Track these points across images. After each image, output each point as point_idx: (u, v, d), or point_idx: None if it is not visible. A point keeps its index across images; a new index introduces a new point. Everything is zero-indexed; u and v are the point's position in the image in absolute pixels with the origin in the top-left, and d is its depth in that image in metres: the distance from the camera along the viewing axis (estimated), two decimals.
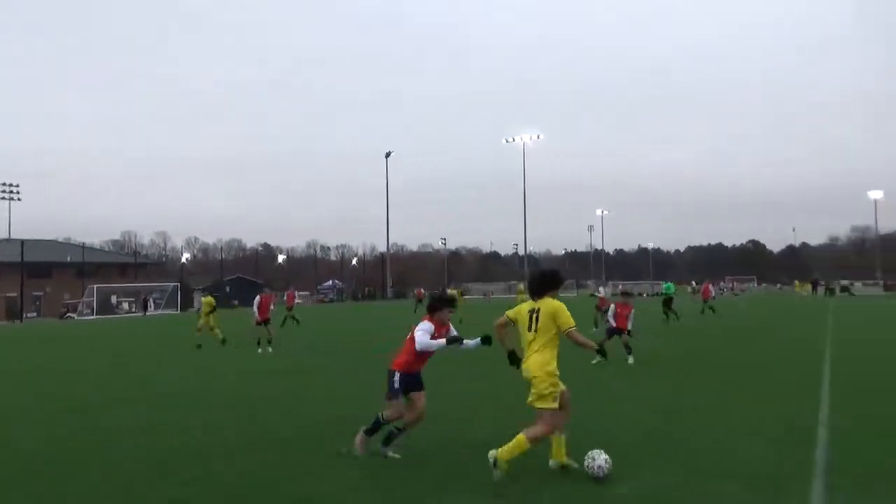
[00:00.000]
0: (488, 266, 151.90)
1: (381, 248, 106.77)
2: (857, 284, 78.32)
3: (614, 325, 14.87)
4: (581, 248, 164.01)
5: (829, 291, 67.44)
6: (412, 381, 6.51)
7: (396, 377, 6.45)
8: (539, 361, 5.67)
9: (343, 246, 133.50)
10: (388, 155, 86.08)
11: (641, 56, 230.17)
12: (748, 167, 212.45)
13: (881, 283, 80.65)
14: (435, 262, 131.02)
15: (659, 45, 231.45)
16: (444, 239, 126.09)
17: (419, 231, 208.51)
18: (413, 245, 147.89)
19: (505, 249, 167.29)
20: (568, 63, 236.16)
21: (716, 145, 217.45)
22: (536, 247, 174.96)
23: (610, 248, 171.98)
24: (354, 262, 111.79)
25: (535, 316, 5.79)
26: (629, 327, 14.75)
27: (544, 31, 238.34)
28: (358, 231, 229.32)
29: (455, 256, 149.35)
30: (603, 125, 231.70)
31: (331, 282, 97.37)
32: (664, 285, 32.87)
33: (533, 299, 5.93)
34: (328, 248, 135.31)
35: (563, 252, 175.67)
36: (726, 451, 6.50)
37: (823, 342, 17.71)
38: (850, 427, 7.47)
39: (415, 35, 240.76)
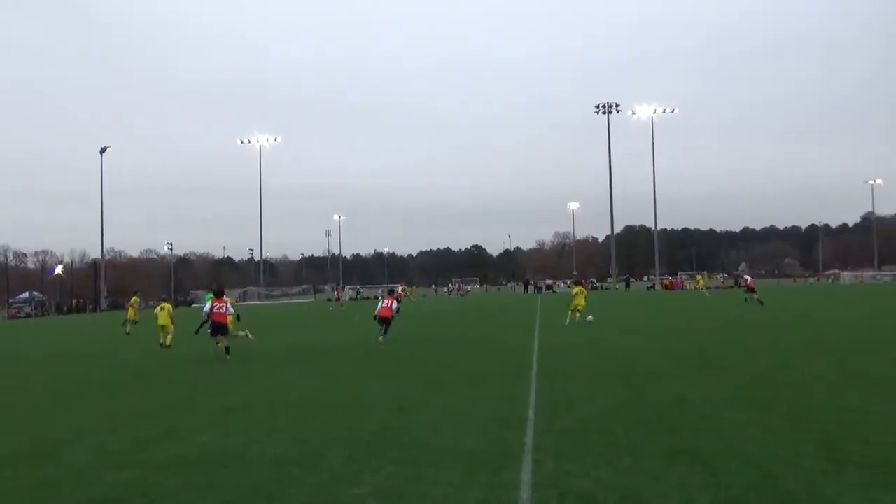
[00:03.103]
0: (221, 272, 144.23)
1: (94, 253, 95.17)
2: (560, 283, 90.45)
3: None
4: (318, 252, 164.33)
5: (537, 289, 77.00)
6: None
7: None
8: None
9: (44, 252, 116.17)
10: (103, 151, 77.19)
11: (362, 68, 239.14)
12: (469, 179, 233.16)
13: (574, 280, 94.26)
14: (160, 269, 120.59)
15: (387, 62, 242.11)
16: (171, 244, 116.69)
17: (142, 236, 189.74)
18: (134, 251, 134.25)
19: (240, 255, 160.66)
20: (301, 69, 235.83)
21: (439, 158, 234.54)
22: (273, 252, 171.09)
23: (347, 253, 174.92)
24: (59, 270, 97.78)
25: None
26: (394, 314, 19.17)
27: (282, 35, 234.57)
28: (65, 236, 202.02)
29: (183, 263, 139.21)
30: (335, 133, 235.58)
31: (27, 293, 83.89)
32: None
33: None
34: (24, 254, 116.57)
35: (301, 257, 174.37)
36: (448, 441, 6.88)
37: (532, 335, 19.92)
38: (554, 408, 8.43)
39: (147, 25, 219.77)
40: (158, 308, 20.92)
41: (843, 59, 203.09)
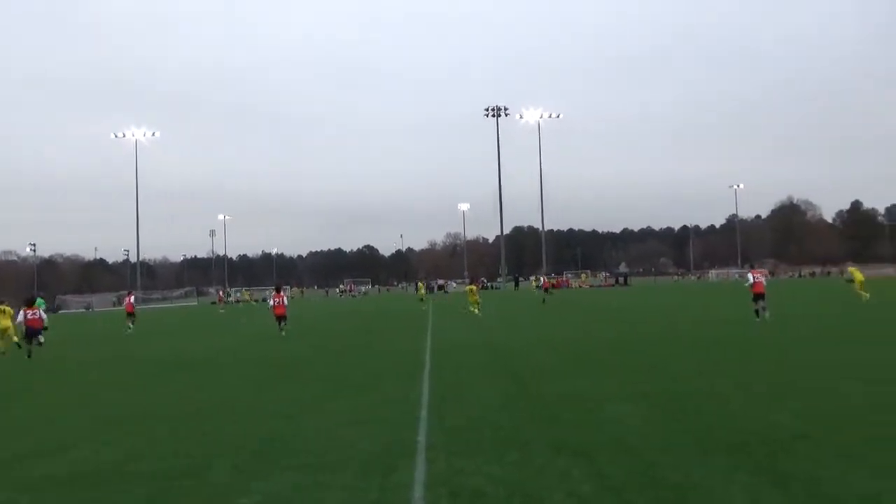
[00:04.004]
0: (93, 275, 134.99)
1: None
2: (452, 283, 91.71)
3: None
4: (202, 253, 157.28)
5: (429, 289, 77.71)
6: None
7: None
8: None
9: None
10: None
11: (248, 67, 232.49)
12: (361, 180, 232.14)
13: (467, 280, 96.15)
14: (22, 273, 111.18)
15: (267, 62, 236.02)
16: (34, 244, 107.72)
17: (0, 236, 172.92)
18: None
19: (114, 256, 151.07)
20: (183, 66, 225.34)
21: (329, 158, 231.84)
22: (152, 253, 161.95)
23: (233, 254, 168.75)
24: None
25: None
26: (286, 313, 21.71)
27: (163, 30, 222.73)
28: None
29: (49, 265, 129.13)
30: (221, 131, 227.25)
31: None
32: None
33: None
34: None
35: (183, 258, 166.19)
36: (341, 444, 6.79)
37: (425, 335, 20.07)
38: (446, 407, 8.53)
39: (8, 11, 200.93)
40: None
41: (709, 73, 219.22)
